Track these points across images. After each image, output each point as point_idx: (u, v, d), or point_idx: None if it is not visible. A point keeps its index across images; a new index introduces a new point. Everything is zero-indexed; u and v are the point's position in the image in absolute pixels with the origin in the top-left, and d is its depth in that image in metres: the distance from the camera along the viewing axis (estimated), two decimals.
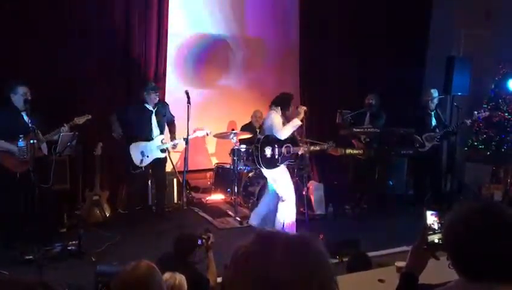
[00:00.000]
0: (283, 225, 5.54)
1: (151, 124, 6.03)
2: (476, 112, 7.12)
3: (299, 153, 5.70)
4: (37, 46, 5.82)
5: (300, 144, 5.69)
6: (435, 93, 6.96)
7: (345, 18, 7.84)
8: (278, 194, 5.65)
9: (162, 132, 6.12)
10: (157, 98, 6.06)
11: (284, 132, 5.49)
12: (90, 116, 5.40)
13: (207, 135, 6.46)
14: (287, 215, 5.57)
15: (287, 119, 5.59)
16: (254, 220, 5.92)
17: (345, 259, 4.17)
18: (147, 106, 6.00)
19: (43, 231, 4.98)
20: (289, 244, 1.06)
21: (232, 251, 1.09)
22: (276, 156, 5.54)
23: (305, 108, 5.64)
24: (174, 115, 6.31)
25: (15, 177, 4.95)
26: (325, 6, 7.70)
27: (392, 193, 7.22)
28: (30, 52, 5.79)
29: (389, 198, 6.98)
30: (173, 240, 3.68)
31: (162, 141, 6.08)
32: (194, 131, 6.26)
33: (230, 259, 1.08)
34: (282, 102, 5.60)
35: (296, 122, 5.51)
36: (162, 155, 6.12)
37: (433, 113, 7.04)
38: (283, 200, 5.58)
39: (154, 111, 6.04)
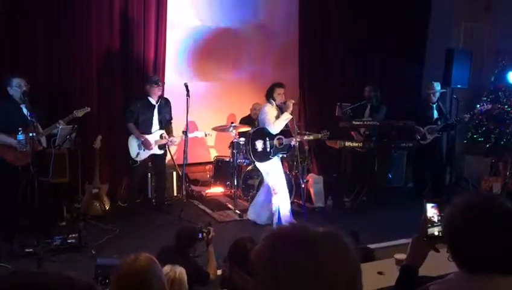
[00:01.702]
0: (278, 217, 5.56)
1: (152, 118, 6.03)
2: (478, 105, 7.11)
3: (292, 144, 5.71)
4: (37, 40, 5.80)
5: (293, 135, 5.70)
6: (437, 86, 6.95)
7: (345, 11, 7.81)
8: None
9: (161, 128, 6.11)
10: (160, 91, 6.06)
11: (275, 126, 5.53)
12: (89, 109, 5.41)
13: (205, 135, 6.48)
14: (281, 206, 5.59)
15: (282, 112, 5.59)
16: (251, 213, 5.96)
17: None
18: (150, 99, 6.00)
19: (43, 224, 4.99)
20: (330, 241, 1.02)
21: (260, 251, 1.01)
22: (268, 149, 5.56)
23: (293, 101, 5.67)
24: (173, 107, 6.28)
25: (16, 170, 4.95)
26: None
27: (391, 185, 7.23)
28: (30, 47, 5.77)
29: (388, 191, 7.00)
30: (174, 233, 3.69)
31: (161, 136, 6.07)
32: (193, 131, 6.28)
33: (264, 262, 1.00)
34: (267, 94, 5.65)
35: (286, 116, 5.54)
36: (159, 152, 6.11)
37: (434, 105, 7.04)
38: (276, 193, 5.60)
39: (156, 106, 6.03)
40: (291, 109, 5.55)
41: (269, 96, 5.62)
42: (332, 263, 0.97)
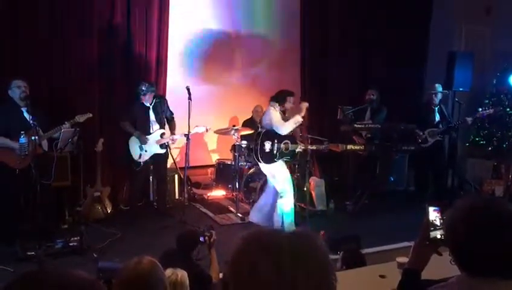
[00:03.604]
0: (282, 221, 5.55)
1: (148, 119, 6.04)
2: (480, 109, 7.10)
3: (297, 150, 5.70)
4: (38, 43, 5.81)
5: (299, 142, 5.70)
6: (439, 88, 6.96)
7: (346, 14, 7.82)
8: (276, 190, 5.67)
9: (161, 127, 6.12)
10: (153, 93, 6.02)
11: (285, 128, 5.51)
12: (91, 115, 5.42)
13: (206, 130, 6.46)
14: (285, 211, 5.58)
15: (286, 115, 5.59)
16: (254, 216, 5.95)
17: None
18: (144, 102, 6.00)
19: (44, 227, 4.99)
20: (292, 243, 1.04)
21: (232, 251, 1.05)
22: (275, 151, 5.56)
23: (306, 104, 5.68)
24: (175, 111, 6.30)
25: (14, 173, 4.95)
26: (326, 3, 7.69)
27: (393, 188, 7.22)
28: (31, 50, 5.78)
29: (390, 194, 6.99)
30: (176, 236, 3.69)
31: (161, 136, 6.07)
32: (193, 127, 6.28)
33: (232, 262, 1.05)
34: (278, 97, 5.64)
35: (298, 119, 5.54)
36: (161, 151, 6.11)
37: (436, 108, 7.04)
38: (281, 196, 5.60)
39: (151, 107, 6.04)
40: (304, 112, 5.56)
41: (280, 101, 5.58)
42: (294, 266, 0.98)
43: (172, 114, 6.29)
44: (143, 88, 5.94)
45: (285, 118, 5.58)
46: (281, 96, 5.64)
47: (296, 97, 7.17)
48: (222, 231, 5.27)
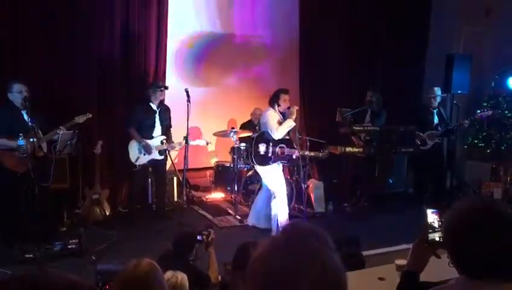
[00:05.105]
0: (277, 222, 5.54)
1: (154, 123, 6.04)
2: (478, 111, 7.11)
3: (294, 156, 5.68)
4: (38, 46, 5.81)
5: (296, 147, 5.67)
6: (438, 91, 6.96)
7: (345, 16, 7.83)
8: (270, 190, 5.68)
9: (163, 133, 6.12)
10: (163, 96, 6.10)
11: (278, 132, 5.49)
12: (90, 115, 5.40)
13: (207, 144, 6.51)
14: (280, 211, 5.58)
15: (284, 118, 5.58)
16: (252, 219, 5.95)
17: None
18: (152, 104, 6.02)
19: (43, 229, 4.98)
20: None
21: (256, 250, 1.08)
22: (270, 154, 5.54)
23: (297, 108, 5.64)
24: (173, 113, 6.30)
25: (16, 176, 4.95)
26: (325, 5, 7.70)
27: (391, 190, 7.22)
28: (31, 50, 5.77)
29: (388, 196, 6.99)
30: (173, 238, 3.68)
31: (162, 142, 6.07)
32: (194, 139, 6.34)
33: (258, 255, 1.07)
34: (273, 97, 5.63)
35: (290, 123, 5.50)
36: (160, 157, 6.11)
37: (435, 111, 7.04)
38: (275, 197, 5.60)
39: (158, 111, 6.05)
40: (295, 115, 5.50)
41: (274, 101, 5.59)
42: (293, 269, 1.00)
43: (171, 126, 6.30)
44: (161, 83, 6.10)
45: (281, 121, 5.57)
46: (275, 94, 5.63)
47: (296, 99, 7.21)
48: (220, 234, 5.26)
